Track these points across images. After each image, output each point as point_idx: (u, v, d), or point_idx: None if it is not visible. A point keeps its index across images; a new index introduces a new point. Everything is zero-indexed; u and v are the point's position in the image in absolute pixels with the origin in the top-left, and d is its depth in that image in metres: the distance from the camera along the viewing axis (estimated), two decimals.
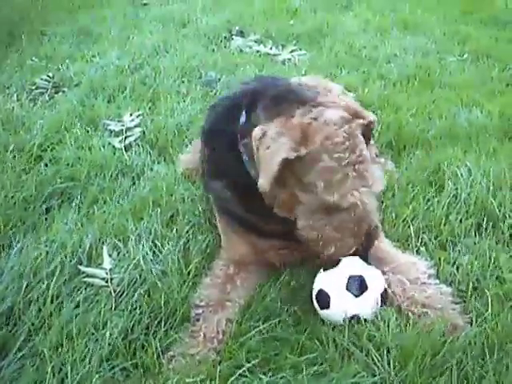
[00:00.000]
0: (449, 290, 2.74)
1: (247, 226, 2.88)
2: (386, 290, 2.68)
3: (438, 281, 2.79)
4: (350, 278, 2.60)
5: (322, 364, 2.40)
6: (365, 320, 2.56)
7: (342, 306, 2.58)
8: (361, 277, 2.61)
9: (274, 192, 2.58)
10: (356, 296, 2.58)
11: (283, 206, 2.66)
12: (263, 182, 2.50)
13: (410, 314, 2.63)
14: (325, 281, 2.67)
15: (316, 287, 2.69)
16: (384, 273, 2.77)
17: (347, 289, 2.58)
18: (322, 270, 2.72)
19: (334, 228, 2.60)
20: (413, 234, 3.15)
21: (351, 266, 2.65)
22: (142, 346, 2.52)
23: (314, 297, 2.69)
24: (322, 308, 2.64)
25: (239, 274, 2.88)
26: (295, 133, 2.49)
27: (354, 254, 2.66)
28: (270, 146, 2.49)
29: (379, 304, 2.63)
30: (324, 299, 2.63)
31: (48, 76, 5.52)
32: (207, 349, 2.51)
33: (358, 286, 2.59)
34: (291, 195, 2.62)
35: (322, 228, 2.61)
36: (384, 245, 2.98)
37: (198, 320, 2.65)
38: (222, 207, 3.00)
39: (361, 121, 2.63)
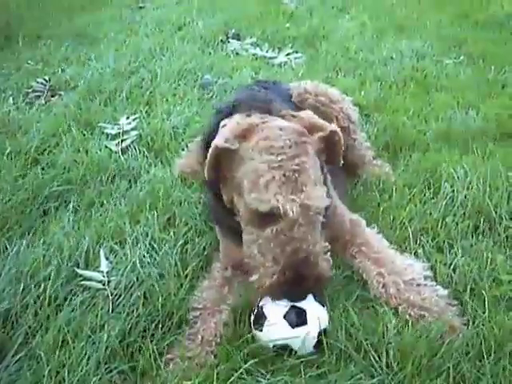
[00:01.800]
0: (445, 292, 2.73)
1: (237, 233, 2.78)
2: (325, 330, 2.51)
3: (434, 282, 2.78)
4: (292, 307, 2.45)
5: (319, 367, 2.39)
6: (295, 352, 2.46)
7: (274, 332, 2.46)
8: (303, 310, 2.45)
9: (225, 194, 2.68)
10: (292, 327, 2.44)
11: (236, 210, 2.66)
12: (205, 171, 2.57)
13: (407, 316, 2.62)
14: (268, 302, 2.53)
15: (258, 304, 2.57)
16: (380, 274, 2.78)
17: (285, 317, 2.44)
18: None
19: (259, 247, 2.47)
20: (410, 236, 3.15)
21: None
22: (139, 349, 2.51)
23: (252, 313, 2.58)
24: (255, 328, 2.53)
25: (236, 278, 2.87)
26: (238, 128, 2.55)
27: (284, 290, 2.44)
28: (221, 131, 2.63)
29: (314, 340, 2.46)
30: (259, 320, 2.52)
31: (44, 79, 5.53)
32: (205, 352, 2.50)
33: (296, 317, 2.44)
34: (232, 198, 2.65)
35: (250, 244, 2.54)
36: (380, 246, 2.97)
37: (195, 323, 2.64)
38: (215, 216, 3.00)
39: (317, 135, 2.61)
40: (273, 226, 2.41)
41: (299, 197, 2.38)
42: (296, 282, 2.38)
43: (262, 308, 2.52)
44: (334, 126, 2.70)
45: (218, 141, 2.52)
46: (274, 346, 2.44)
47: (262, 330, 2.48)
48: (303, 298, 2.46)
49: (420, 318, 2.60)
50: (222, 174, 2.64)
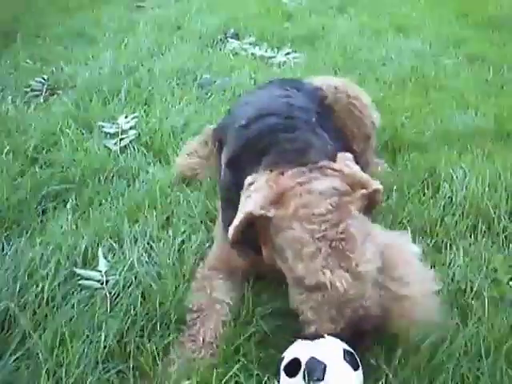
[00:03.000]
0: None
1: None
2: None
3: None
4: (312, 358, 2.21)
5: None
6: None
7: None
8: (324, 364, 2.19)
9: (265, 252, 2.58)
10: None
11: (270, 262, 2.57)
12: (230, 229, 2.49)
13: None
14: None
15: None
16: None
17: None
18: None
19: (310, 307, 2.34)
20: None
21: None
22: (136, 348, 2.51)
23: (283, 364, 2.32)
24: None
25: (218, 276, 2.83)
26: (272, 192, 2.43)
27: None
28: (249, 196, 2.50)
29: None
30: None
31: (43, 78, 5.52)
32: (208, 354, 2.48)
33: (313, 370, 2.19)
34: (271, 257, 2.53)
35: (299, 303, 2.41)
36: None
37: (194, 324, 2.61)
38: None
39: (359, 193, 2.45)
40: (324, 293, 2.28)
41: (348, 267, 2.25)
42: (355, 336, 2.29)
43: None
44: (377, 184, 2.57)
45: (253, 208, 2.41)
46: None
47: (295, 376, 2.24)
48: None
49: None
50: (259, 234, 2.55)
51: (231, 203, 2.69)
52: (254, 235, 2.56)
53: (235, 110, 3.54)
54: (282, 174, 2.50)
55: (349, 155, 2.68)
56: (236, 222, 2.47)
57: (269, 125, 2.89)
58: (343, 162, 2.58)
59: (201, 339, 2.53)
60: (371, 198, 2.54)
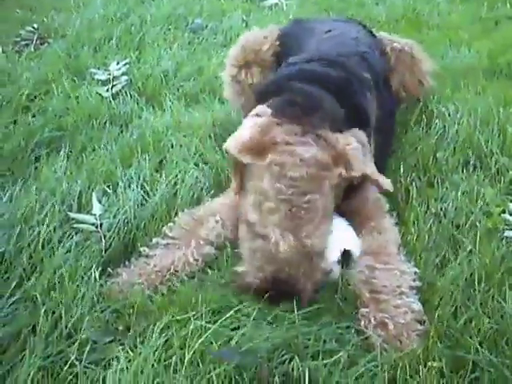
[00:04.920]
0: (418, 307, 2.35)
1: None
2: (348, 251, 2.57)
3: (417, 296, 2.42)
4: None
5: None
6: None
7: None
8: None
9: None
10: None
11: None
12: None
13: (371, 319, 2.31)
14: None
15: None
16: (369, 267, 2.52)
17: None
18: None
19: (248, 248, 2.47)
20: (401, 173, 3.16)
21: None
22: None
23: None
24: None
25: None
26: (258, 138, 2.44)
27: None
28: (243, 128, 2.54)
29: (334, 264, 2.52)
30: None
31: (33, 27, 5.47)
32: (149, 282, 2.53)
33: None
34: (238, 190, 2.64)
35: (241, 239, 2.54)
36: (388, 240, 2.66)
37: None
38: None
39: (338, 171, 2.43)
40: (264, 243, 2.37)
41: (297, 235, 2.32)
42: (276, 293, 2.35)
43: None
44: (372, 171, 2.53)
45: (230, 146, 2.48)
46: None
47: None
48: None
49: (381, 324, 2.28)
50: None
51: None
52: None
53: (303, 33, 3.59)
54: (279, 124, 2.48)
55: (361, 135, 2.63)
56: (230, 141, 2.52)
57: (303, 70, 2.93)
58: (346, 138, 2.52)
59: (152, 265, 2.58)
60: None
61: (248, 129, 2.50)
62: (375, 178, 2.53)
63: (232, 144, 2.47)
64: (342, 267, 2.52)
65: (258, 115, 2.57)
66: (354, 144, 2.50)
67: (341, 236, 2.58)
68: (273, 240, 2.32)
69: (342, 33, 3.45)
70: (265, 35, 3.68)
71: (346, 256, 2.55)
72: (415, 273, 2.49)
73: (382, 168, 2.80)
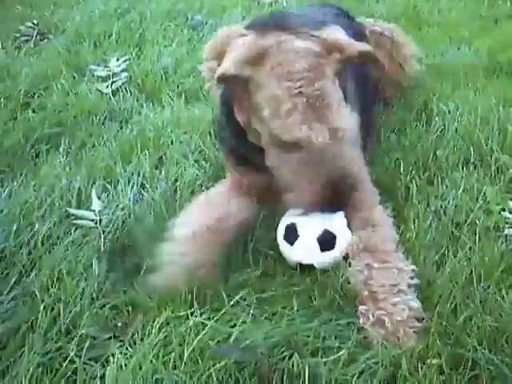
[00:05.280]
0: (417, 304, 2.34)
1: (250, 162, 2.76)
2: None
3: (415, 294, 2.40)
4: (325, 231, 2.54)
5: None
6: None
7: (304, 251, 2.54)
8: (334, 236, 2.55)
9: (241, 116, 2.59)
10: (321, 250, 2.54)
11: (250, 133, 2.61)
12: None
13: (370, 316, 2.31)
14: (300, 219, 2.58)
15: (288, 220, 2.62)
16: (368, 266, 2.49)
17: (317, 239, 2.53)
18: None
19: (290, 169, 2.42)
20: (401, 171, 3.15)
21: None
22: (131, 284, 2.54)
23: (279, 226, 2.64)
24: (285, 240, 2.59)
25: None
26: (250, 52, 2.40)
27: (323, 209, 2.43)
28: (232, 50, 2.48)
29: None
30: (290, 235, 2.58)
31: (32, 23, 5.47)
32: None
33: (327, 242, 2.54)
34: (250, 120, 2.55)
35: (277, 166, 2.48)
36: (384, 236, 2.64)
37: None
38: (226, 143, 2.92)
39: (335, 56, 2.44)
40: (302, 152, 2.33)
41: (326, 122, 2.29)
42: (334, 198, 2.35)
43: (294, 225, 2.57)
44: (363, 46, 2.58)
45: (226, 67, 2.41)
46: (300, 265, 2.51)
47: (292, 244, 2.55)
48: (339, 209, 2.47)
49: (379, 322, 2.29)
50: (235, 97, 2.58)
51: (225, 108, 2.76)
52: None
53: (272, 21, 3.51)
54: (263, 35, 2.47)
55: (338, 27, 2.66)
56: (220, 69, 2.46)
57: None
58: (328, 31, 2.56)
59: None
60: (363, 61, 2.60)
61: (238, 48, 2.47)
62: (367, 49, 2.57)
63: (228, 65, 2.42)
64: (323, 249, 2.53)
65: (242, 35, 2.56)
66: (338, 31, 2.56)
67: (330, 218, 2.57)
68: (305, 137, 2.28)
69: (310, 18, 3.41)
70: (238, 26, 3.70)
71: (325, 236, 2.55)
72: (413, 270, 2.47)
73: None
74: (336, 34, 2.54)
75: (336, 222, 2.57)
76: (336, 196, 2.36)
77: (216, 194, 2.84)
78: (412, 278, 2.44)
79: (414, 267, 2.49)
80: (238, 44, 2.48)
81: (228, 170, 2.97)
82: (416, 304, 2.34)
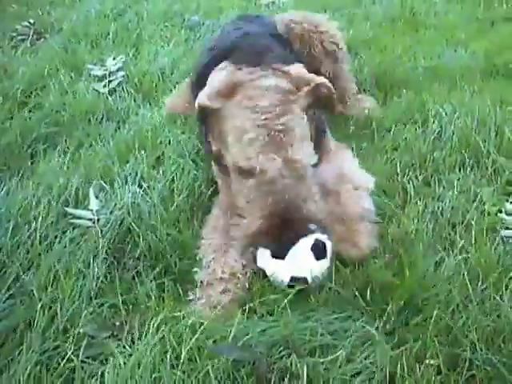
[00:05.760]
0: (371, 207, 2.76)
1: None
2: None
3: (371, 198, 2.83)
4: (317, 240, 2.44)
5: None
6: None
7: (299, 262, 2.42)
8: (324, 243, 2.46)
9: (213, 144, 2.76)
10: (316, 259, 2.44)
11: (222, 160, 2.74)
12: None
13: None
14: None
15: None
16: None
17: (311, 249, 2.42)
18: None
19: (245, 196, 2.51)
20: (399, 172, 3.16)
21: None
22: (130, 284, 2.54)
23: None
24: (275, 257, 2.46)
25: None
26: (223, 85, 2.59)
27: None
28: (210, 82, 2.68)
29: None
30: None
31: (29, 22, 5.47)
32: (234, 284, 2.47)
33: (320, 250, 2.44)
34: (220, 148, 2.70)
35: (236, 193, 2.59)
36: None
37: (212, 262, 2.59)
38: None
39: (303, 91, 2.60)
40: (256, 179, 2.44)
41: (283, 154, 2.41)
42: (282, 227, 2.37)
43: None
44: (321, 79, 2.69)
45: (201, 99, 2.60)
46: (292, 279, 2.41)
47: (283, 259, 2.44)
48: (292, 242, 2.40)
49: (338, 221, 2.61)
50: (208, 125, 2.73)
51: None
52: None
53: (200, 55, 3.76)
54: (240, 69, 2.69)
55: (301, 65, 2.82)
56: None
57: (231, 41, 3.17)
58: (295, 67, 2.73)
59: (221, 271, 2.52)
60: (317, 95, 2.67)
61: (214, 81, 2.66)
62: (323, 81, 2.69)
63: (203, 97, 2.60)
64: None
65: (220, 69, 2.77)
66: (302, 68, 2.75)
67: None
68: (259, 168, 2.40)
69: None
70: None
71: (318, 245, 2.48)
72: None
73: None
74: (302, 69, 2.72)
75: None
76: (284, 227, 2.38)
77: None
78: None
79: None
80: (215, 78, 2.70)
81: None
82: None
